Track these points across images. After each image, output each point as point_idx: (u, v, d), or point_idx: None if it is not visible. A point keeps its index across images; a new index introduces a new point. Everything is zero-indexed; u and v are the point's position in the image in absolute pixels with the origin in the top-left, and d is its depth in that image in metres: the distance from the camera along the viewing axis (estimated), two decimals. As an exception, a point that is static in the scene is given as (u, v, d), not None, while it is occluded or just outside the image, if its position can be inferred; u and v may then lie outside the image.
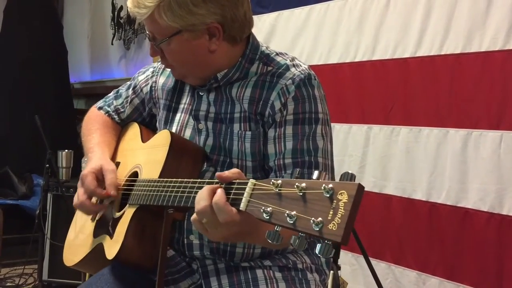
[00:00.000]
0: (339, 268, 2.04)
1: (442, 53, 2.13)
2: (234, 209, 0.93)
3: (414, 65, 2.23)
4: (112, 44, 4.55)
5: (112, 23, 4.53)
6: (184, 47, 1.22)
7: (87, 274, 2.64)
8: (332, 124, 1.33)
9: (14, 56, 4.30)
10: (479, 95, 2.02)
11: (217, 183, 0.99)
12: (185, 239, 1.27)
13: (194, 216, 1.00)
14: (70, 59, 4.61)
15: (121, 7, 4.44)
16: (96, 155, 1.37)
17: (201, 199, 0.97)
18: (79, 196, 1.30)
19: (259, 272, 1.25)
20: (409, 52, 2.24)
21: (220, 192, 0.95)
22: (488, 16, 1.99)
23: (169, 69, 1.41)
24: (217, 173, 0.98)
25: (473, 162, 2.02)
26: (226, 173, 0.97)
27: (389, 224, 2.30)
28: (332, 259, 1.53)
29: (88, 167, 1.32)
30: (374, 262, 2.21)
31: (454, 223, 2.08)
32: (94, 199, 1.30)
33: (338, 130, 2.48)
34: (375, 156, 2.37)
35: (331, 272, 1.78)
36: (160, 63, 1.46)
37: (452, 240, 2.09)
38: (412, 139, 2.23)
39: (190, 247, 1.27)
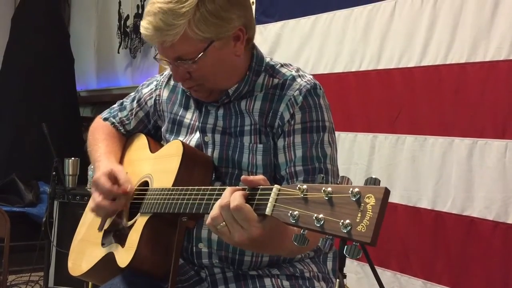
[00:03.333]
0: (345, 276, 2.05)
1: (447, 62, 2.14)
2: (255, 214, 0.95)
3: (419, 74, 2.24)
4: (118, 52, 4.59)
5: (119, 31, 4.57)
6: (216, 57, 1.21)
7: (90, 284, 2.64)
8: (338, 133, 1.35)
9: (21, 64, 4.34)
10: (484, 104, 2.03)
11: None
12: (194, 247, 1.28)
13: (209, 219, 1.00)
14: (76, 67, 4.65)
15: (128, 16, 4.48)
16: (103, 163, 1.39)
17: (224, 197, 0.98)
18: (95, 198, 1.30)
19: (267, 281, 1.26)
20: (414, 61, 2.26)
21: (237, 194, 0.96)
22: (493, 25, 2.01)
23: (172, 83, 1.42)
24: (243, 177, 0.99)
25: (478, 171, 2.03)
26: (251, 177, 0.99)
27: (394, 233, 2.31)
28: (338, 267, 1.54)
29: (98, 172, 1.33)
30: (379, 270, 2.21)
31: (459, 231, 2.08)
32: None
33: (344, 138, 2.49)
34: (381, 164, 2.38)
35: (337, 280, 1.78)
36: (164, 74, 1.47)
37: (458, 248, 2.09)
38: (417, 148, 2.24)
39: (199, 256, 1.28)
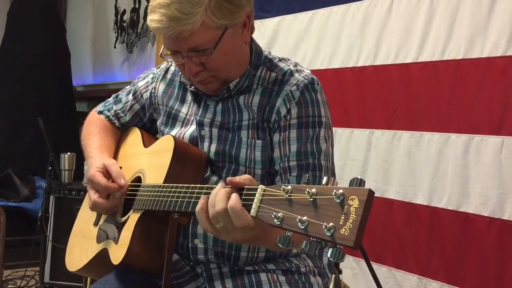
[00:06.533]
0: (340, 272, 2.05)
1: (444, 58, 2.14)
2: (249, 214, 0.93)
3: (416, 70, 2.24)
4: (115, 47, 4.57)
5: (115, 26, 4.55)
6: (229, 45, 1.20)
7: (89, 278, 2.64)
8: (334, 128, 1.35)
9: (18, 59, 4.32)
10: (480, 100, 2.03)
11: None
12: (190, 243, 1.28)
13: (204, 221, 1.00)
14: (73, 62, 4.63)
15: (124, 11, 4.46)
16: (96, 159, 1.38)
17: (218, 201, 0.96)
18: (91, 196, 1.30)
19: (263, 276, 1.26)
20: (411, 57, 2.26)
21: (235, 196, 0.94)
22: (490, 22, 2.01)
23: (169, 76, 1.42)
24: (228, 178, 0.98)
25: (474, 167, 2.03)
26: (237, 178, 0.98)
27: (390, 228, 2.31)
28: (334, 262, 1.54)
29: (92, 168, 1.33)
30: (375, 266, 2.21)
31: (455, 227, 2.09)
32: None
33: (340, 134, 2.49)
34: (377, 160, 2.38)
35: (333, 276, 1.79)
36: (160, 67, 1.46)
37: (453, 244, 2.10)
38: (413, 144, 2.24)
39: (194, 251, 1.28)
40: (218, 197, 0.96)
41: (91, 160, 1.40)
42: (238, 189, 0.97)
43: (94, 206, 1.30)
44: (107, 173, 1.31)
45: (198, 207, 1.00)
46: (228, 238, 0.99)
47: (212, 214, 0.97)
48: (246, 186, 0.96)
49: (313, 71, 1.33)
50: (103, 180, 1.28)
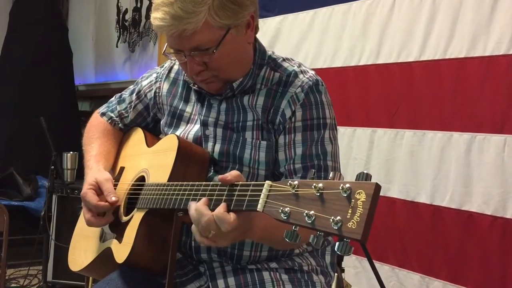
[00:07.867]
0: (343, 270, 2.05)
1: (447, 57, 2.14)
2: (231, 215, 0.97)
3: (419, 69, 2.24)
4: (117, 46, 4.58)
5: (117, 25, 4.56)
6: (232, 45, 1.20)
7: (91, 278, 2.65)
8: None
9: (20, 58, 4.33)
10: (483, 99, 2.03)
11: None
12: (193, 242, 1.29)
13: (198, 236, 1.03)
14: (75, 61, 4.63)
15: (126, 10, 4.47)
16: (91, 171, 1.39)
17: (202, 215, 1.00)
18: (84, 215, 1.32)
19: (265, 274, 1.26)
20: (414, 56, 2.25)
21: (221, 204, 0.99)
22: (492, 20, 2.00)
23: (173, 75, 1.42)
24: (220, 177, 1.01)
25: (477, 166, 2.03)
26: (228, 176, 1.00)
27: (393, 227, 2.31)
28: (336, 261, 1.54)
29: (85, 184, 1.33)
30: (377, 265, 2.21)
31: (457, 226, 2.09)
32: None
33: (343, 133, 2.48)
34: (379, 159, 2.38)
35: (335, 274, 1.79)
36: (164, 66, 1.46)
37: (456, 243, 2.10)
38: (416, 143, 2.24)
39: (197, 250, 1.29)
40: (200, 211, 1.01)
41: (86, 170, 1.41)
42: (244, 185, 0.98)
43: (89, 224, 1.31)
44: (99, 189, 1.31)
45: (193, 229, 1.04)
46: (224, 242, 1.02)
47: (201, 227, 1.01)
48: (252, 182, 0.98)
49: (315, 70, 1.33)
50: (94, 200, 1.28)
